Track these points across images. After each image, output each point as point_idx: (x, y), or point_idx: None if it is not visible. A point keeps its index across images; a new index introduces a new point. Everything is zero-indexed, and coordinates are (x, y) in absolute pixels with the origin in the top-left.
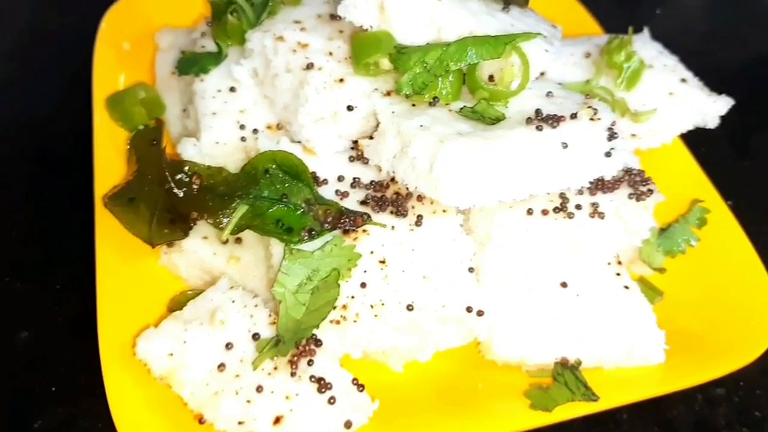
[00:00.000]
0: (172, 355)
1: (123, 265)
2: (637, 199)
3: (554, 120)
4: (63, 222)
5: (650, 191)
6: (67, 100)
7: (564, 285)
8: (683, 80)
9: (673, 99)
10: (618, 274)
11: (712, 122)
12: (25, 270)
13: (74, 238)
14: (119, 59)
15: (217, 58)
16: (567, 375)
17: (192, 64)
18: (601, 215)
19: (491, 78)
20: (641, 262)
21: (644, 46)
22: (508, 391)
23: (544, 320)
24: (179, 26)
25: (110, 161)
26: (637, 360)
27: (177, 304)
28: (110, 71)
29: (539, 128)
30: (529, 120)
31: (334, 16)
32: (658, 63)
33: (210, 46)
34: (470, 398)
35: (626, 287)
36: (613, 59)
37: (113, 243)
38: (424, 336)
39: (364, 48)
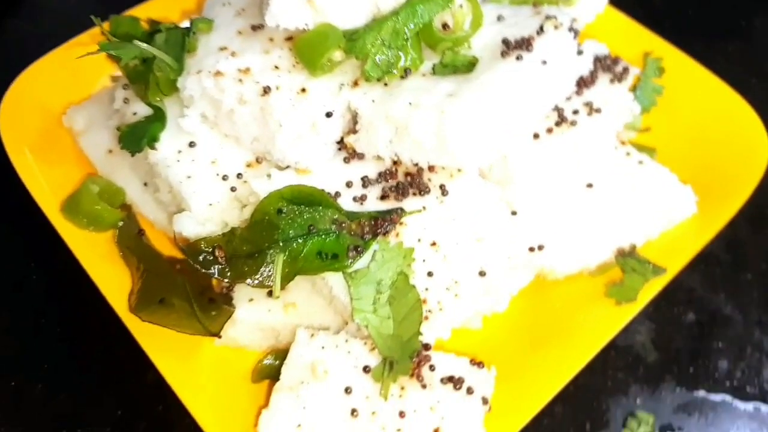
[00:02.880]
0: (300, 426)
1: (186, 364)
2: (619, 81)
3: (526, 43)
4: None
5: (626, 69)
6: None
7: (590, 186)
8: None
9: None
10: (628, 154)
11: None
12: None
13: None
14: (41, 160)
15: (161, 119)
16: (630, 262)
17: (138, 138)
18: (598, 110)
19: (445, 26)
20: (625, 129)
21: None
22: (586, 298)
23: (586, 224)
24: (79, 100)
25: (105, 271)
26: (675, 219)
27: (263, 374)
28: (39, 177)
29: (519, 58)
30: (504, 53)
31: (255, 27)
32: None
33: (141, 110)
34: (559, 320)
35: (640, 162)
36: None
37: (163, 347)
38: (498, 290)
39: (314, 49)
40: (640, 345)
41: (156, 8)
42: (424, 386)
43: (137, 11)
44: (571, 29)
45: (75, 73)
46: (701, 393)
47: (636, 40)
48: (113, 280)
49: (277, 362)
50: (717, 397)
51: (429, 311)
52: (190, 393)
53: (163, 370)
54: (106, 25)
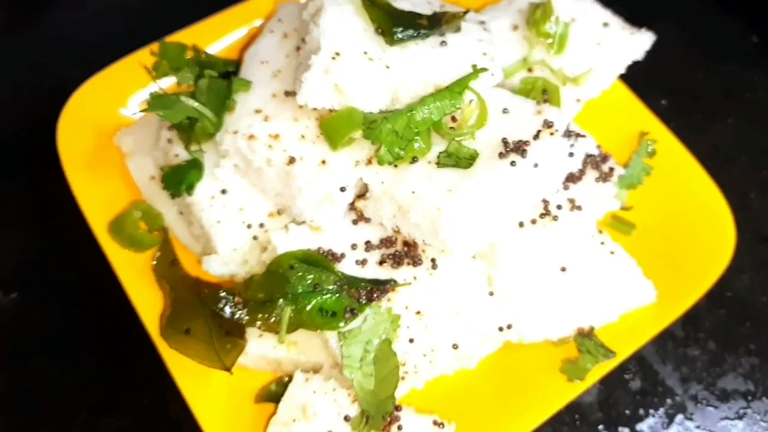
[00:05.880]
0: None
1: (205, 384)
2: (604, 181)
3: (522, 148)
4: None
5: (612, 169)
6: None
7: (563, 269)
8: (605, 24)
9: (602, 48)
10: (602, 243)
11: (639, 56)
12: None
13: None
14: (94, 178)
15: (199, 169)
16: (587, 343)
17: (178, 182)
18: (579, 207)
19: (453, 119)
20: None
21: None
22: (544, 367)
23: (555, 303)
24: (129, 122)
25: (140, 290)
26: (634, 307)
27: (265, 397)
28: (91, 196)
29: (513, 163)
30: (501, 154)
31: (288, 93)
32: (579, 13)
33: (182, 153)
34: (518, 382)
35: (612, 252)
36: (541, 30)
37: (184, 365)
38: (469, 357)
39: (337, 130)
40: (587, 404)
41: (201, 33)
42: None
43: (183, 35)
44: (566, 133)
45: (125, 93)
46: None
47: (635, 117)
48: (147, 298)
49: (277, 389)
50: None
51: (406, 372)
52: (203, 406)
53: (181, 385)
54: (155, 46)
